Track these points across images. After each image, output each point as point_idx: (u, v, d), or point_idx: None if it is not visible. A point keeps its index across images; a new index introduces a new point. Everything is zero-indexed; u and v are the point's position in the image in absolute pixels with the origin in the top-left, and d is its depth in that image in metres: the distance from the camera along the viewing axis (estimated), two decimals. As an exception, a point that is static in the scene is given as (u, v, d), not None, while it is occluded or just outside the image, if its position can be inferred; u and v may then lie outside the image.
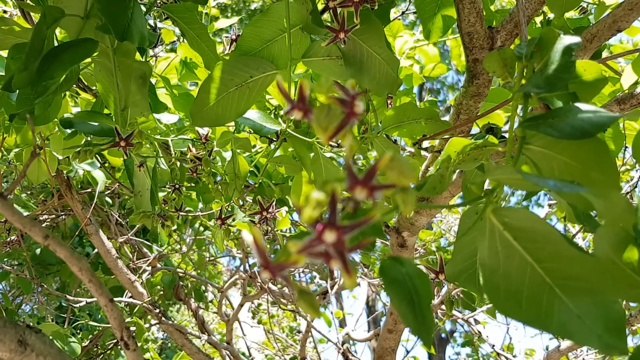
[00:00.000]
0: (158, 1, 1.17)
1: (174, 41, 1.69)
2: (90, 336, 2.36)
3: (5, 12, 1.45)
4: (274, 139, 1.29)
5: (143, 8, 1.02)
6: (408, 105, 1.10)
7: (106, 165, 1.54)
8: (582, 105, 0.43)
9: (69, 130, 1.09)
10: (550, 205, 2.69)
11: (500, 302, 0.41)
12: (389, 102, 1.22)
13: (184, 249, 2.56)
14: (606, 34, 0.77)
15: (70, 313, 2.30)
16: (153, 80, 1.36)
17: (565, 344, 1.93)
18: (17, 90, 0.84)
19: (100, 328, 2.32)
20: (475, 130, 1.16)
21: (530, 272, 0.40)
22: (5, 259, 2.60)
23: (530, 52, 0.49)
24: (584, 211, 0.48)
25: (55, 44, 0.91)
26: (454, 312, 2.45)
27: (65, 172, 1.63)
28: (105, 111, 1.11)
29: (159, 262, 2.31)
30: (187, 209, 1.83)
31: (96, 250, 1.94)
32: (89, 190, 1.87)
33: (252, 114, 1.11)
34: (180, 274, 2.33)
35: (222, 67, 0.90)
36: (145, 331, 1.84)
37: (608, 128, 0.37)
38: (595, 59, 1.14)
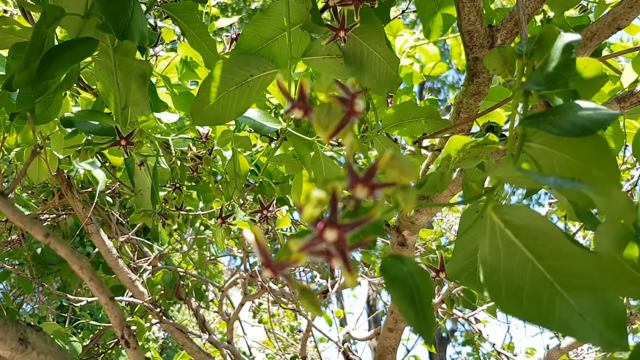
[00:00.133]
0: (158, 0, 1.17)
1: (174, 40, 1.69)
2: (91, 335, 2.36)
3: (5, 11, 1.45)
4: (274, 138, 1.29)
5: (143, 7, 1.02)
6: (408, 104, 1.10)
7: (107, 164, 1.54)
8: (583, 103, 0.43)
9: (69, 130, 1.09)
10: (550, 204, 2.69)
11: (502, 300, 0.41)
12: (389, 100, 1.22)
13: (185, 248, 2.56)
14: (606, 32, 0.77)
15: (71, 312, 2.30)
16: (153, 80, 1.36)
17: (566, 342, 1.93)
18: (18, 90, 0.84)
19: (101, 327, 2.32)
20: (475, 129, 1.16)
21: (531, 270, 0.40)
22: (6, 259, 2.60)
23: (531, 49, 0.49)
24: (584, 208, 0.48)
25: (56, 43, 0.91)
26: (454, 311, 2.45)
27: (65, 171, 1.63)
28: (106, 110, 1.11)
29: (160, 262, 2.31)
30: (188, 208, 1.83)
31: (97, 249, 1.94)
32: (90, 189, 1.87)
33: (253, 112, 1.11)
34: (181, 274, 2.33)
35: (222, 66, 0.90)
36: (146, 330, 1.84)
37: (608, 125, 0.37)
38: (595, 57, 1.14)
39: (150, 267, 2.17)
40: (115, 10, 0.82)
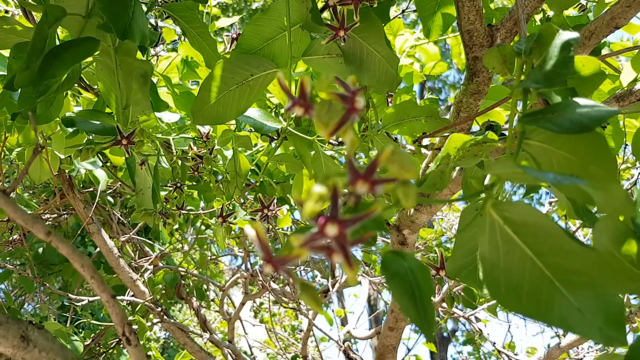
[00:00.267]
0: (159, 0, 1.17)
1: (175, 40, 1.69)
2: (93, 335, 2.37)
3: (7, 12, 1.46)
4: (275, 138, 1.29)
5: (144, 7, 1.03)
6: (408, 103, 1.10)
7: (108, 164, 1.54)
8: (581, 100, 0.43)
9: (70, 129, 1.09)
10: (551, 204, 2.69)
11: (501, 297, 0.42)
12: (389, 100, 1.22)
13: (186, 247, 2.57)
14: (604, 30, 0.77)
15: (72, 312, 2.30)
16: (154, 79, 1.37)
17: (566, 341, 1.93)
18: (19, 89, 0.84)
19: (102, 327, 2.32)
20: (476, 128, 1.16)
21: (531, 266, 0.41)
22: (8, 258, 2.60)
23: (529, 48, 0.49)
24: (583, 205, 0.49)
25: (57, 43, 0.92)
26: (455, 310, 2.45)
27: (67, 171, 1.64)
28: (107, 110, 1.11)
29: (161, 261, 2.31)
30: (189, 207, 1.83)
31: (98, 249, 1.95)
32: (91, 189, 1.88)
33: (253, 112, 1.11)
34: (182, 273, 2.33)
35: (222, 65, 0.90)
36: (147, 329, 1.85)
37: (606, 122, 0.37)
38: (594, 56, 1.14)
39: (151, 267, 2.17)
40: (116, 10, 0.83)
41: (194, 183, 1.44)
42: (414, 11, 1.80)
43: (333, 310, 3.13)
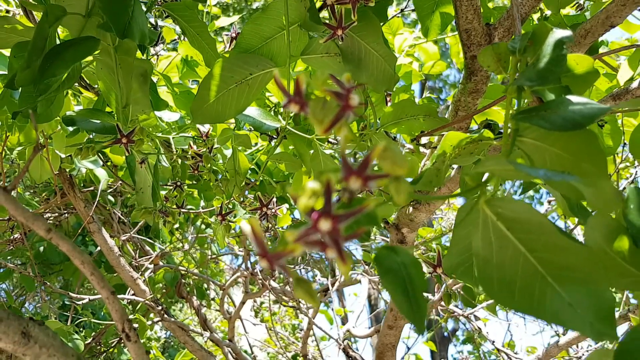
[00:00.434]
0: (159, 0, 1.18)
1: (175, 40, 1.70)
2: (93, 334, 2.37)
3: (7, 11, 1.46)
4: (274, 137, 1.30)
5: (144, 6, 1.03)
6: (406, 102, 1.11)
7: (108, 163, 1.54)
8: (574, 98, 0.43)
9: (71, 128, 1.09)
10: (550, 202, 2.70)
11: (494, 292, 0.42)
12: (387, 98, 1.22)
13: (186, 246, 2.57)
14: (600, 29, 0.78)
15: (73, 311, 2.31)
16: (154, 79, 1.37)
17: (564, 339, 1.94)
18: (20, 89, 0.84)
19: (103, 326, 2.33)
20: (474, 127, 1.17)
21: (524, 262, 0.41)
22: (9, 257, 2.61)
23: (524, 46, 0.50)
24: (578, 202, 0.49)
25: (57, 42, 0.92)
26: (454, 309, 2.46)
27: (67, 170, 1.64)
28: (107, 109, 1.11)
29: (161, 260, 2.32)
30: (189, 207, 1.84)
31: (99, 248, 1.95)
32: (92, 188, 1.88)
33: (252, 111, 1.12)
34: (183, 272, 2.34)
35: (222, 64, 0.91)
36: (147, 328, 1.85)
37: (604, 121, 0.38)
38: (590, 54, 1.14)
39: (151, 266, 2.18)
40: (116, 9, 0.83)
41: (194, 182, 1.44)
42: (414, 10, 1.81)
43: (333, 309, 3.13)
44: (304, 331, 2.59)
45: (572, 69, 0.49)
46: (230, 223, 1.21)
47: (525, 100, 0.53)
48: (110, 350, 2.39)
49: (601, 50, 1.30)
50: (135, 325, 1.74)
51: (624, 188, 1.76)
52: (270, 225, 1.66)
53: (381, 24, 0.86)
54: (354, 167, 0.33)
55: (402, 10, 1.75)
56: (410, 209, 1.41)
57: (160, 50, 1.68)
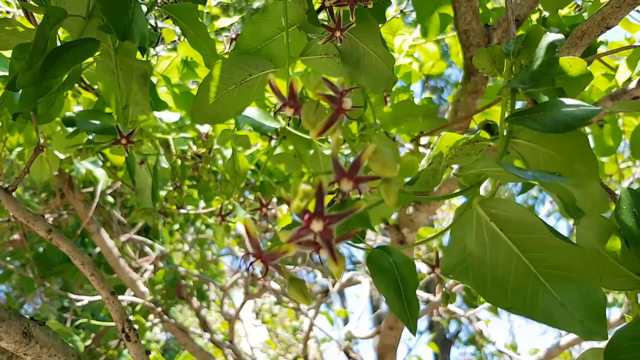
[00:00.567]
0: (159, 1, 1.18)
1: (175, 41, 1.70)
2: (92, 335, 2.38)
3: (8, 12, 1.47)
4: (275, 137, 1.30)
5: (144, 8, 1.04)
6: (406, 103, 1.11)
7: (108, 164, 1.55)
8: (566, 100, 0.44)
9: (71, 129, 1.10)
10: (552, 202, 2.70)
11: (487, 291, 0.43)
12: (387, 99, 1.23)
13: (186, 247, 2.57)
14: (595, 31, 0.78)
15: (72, 313, 2.31)
16: (154, 80, 1.38)
17: (565, 340, 1.94)
18: (20, 90, 0.85)
19: (102, 328, 2.33)
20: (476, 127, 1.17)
21: (516, 262, 0.42)
22: (8, 258, 2.61)
23: (518, 49, 0.50)
24: (571, 203, 0.50)
25: (58, 43, 0.93)
26: (456, 310, 2.46)
27: (67, 171, 1.64)
28: (107, 110, 1.12)
29: (161, 261, 2.32)
30: (189, 207, 1.84)
31: (98, 249, 1.95)
32: (91, 189, 1.88)
33: (252, 111, 1.12)
34: (183, 274, 2.34)
35: (221, 66, 0.91)
36: (147, 329, 1.85)
37: (589, 121, 0.38)
38: (589, 55, 1.14)
39: (151, 267, 2.18)
40: (117, 11, 0.84)
41: (194, 182, 1.44)
42: (413, 11, 1.81)
43: (333, 310, 3.14)
44: (305, 332, 2.59)
45: (566, 71, 0.50)
46: (230, 224, 1.22)
47: (525, 103, 0.54)
48: (110, 352, 2.40)
49: (600, 50, 1.31)
50: (136, 325, 1.74)
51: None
52: (270, 226, 1.67)
53: (380, 25, 0.86)
54: (345, 169, 0.33)
55: (401, 11, 1.75)
56: (411, 209, 1.42)
57: (160, 50, 1.68)
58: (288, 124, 1.11)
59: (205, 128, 1.23)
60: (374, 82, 0.87)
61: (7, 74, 1.02)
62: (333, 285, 2.68)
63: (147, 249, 2.38)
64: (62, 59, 0.83)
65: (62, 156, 1.35)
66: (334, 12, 0.78)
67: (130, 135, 0.95)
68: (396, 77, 0.86)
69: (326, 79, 0.36)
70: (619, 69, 1.16)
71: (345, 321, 3.86)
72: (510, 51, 0.50)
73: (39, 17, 1.04)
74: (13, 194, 0.49)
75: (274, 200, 1.24)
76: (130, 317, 1.83)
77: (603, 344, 0.43)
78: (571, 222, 2.64)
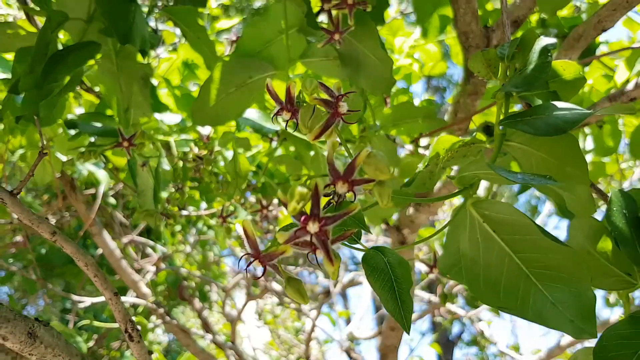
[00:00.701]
0: (159, 4, 1.19)
1: (175, 42, 1.71)
2: (95, 336, 2.38)
3: (8, 14, 1.47)
4: (275, 138, 1.31)
5: (145, 8, 1.04)
6: (406, 104, 1.12)
7: (109, 165, 1.55)
8: (559, 103, 0.45)
9: (73, 131, 1.11)
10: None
11: (480, 291, 0.43)
12: (387, 100, 1.24)
13: (188, 248, 2.58)
14: (592, 33, 0.79)
15: (75, 314, 2.32)
16: (155, 82, 1.38)
17: (566, 340, 1.95)
18: (22, 93, 0.86)
19: (104, 330, 2.34)
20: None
21: (509, 262, 0.42)
22: (10, 260, 2.62)
23: (512, 52, 0.51)
24: (561, 204, 0.50)
25: (59, 46, 0.94)
26: (457, 310, 2.47)
27: (69, 172, 1.65)
28: (108, 112, 1.13)
29: (163, 262, 2.33)
30: (191, 208, 1.85)
31: (100, 251, 1.96)
32: (93, 191, 1.89)
33: (253, 113, 1.13)
34: (185, 275, 2.35)
35: (222, 68, 0.92)
36: (149, 331, 1.86)
37: (579, 125, 0.39)
38: (586, 56, 1.15)
39: (153, 268, 2.19)
40: (118, 15, 0.85)
41: (196, 184, 1.45)
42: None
43: (335, 311, 3.14)
44: (307, 333, 2.60)
45: (560, 75, 0.50)
46: (231, 225, 1.22)
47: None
48: (112, 353, 2.40)
49: (601, 50, 1.31)
50: (138, 326, 1.75)
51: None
52: (272, 227, 1.67)
53: (379, 27, 0.87)
54: (341, 172, 0.34)
55: (402, 13, 1.76)
56: (411, 210, 1.42)
57: (161, 52, 1.69)
58: (286, 127, 1.11)
59: (206, 130, 1.24)
60: (373, 85, 0.88)
61: (8, 76, 1.03)
62: (335, 286, 2.68)
63: (149, 250, 2.38)
64: (63, 63, 0.83)
65: (64, 158, 1.35)
66: (333, 16, 0.79)
67: (132, 137, 0.95)
68: (394, 79, 0.86)
69: (322, 84, 0.37)
70: (618, 70, 1.17)
71: (348, 322, 3.87)
72: (505, 55, 0.51)
73: (39, 19, 1.05)
74: (17, 197, 0.50)
75: (275, 201, 1.24)
76: (133, 318, 1.84)
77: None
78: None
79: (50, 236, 0.52)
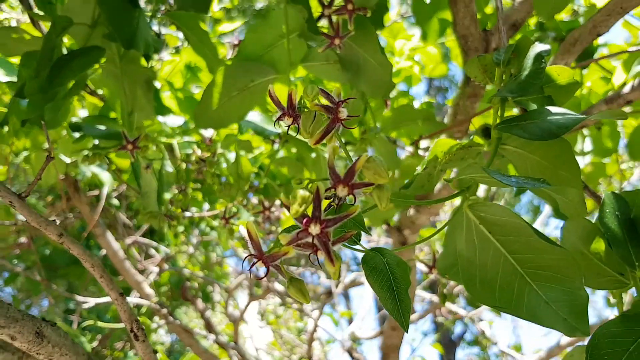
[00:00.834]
0: (162, 8, 1.20)
1: (178, 45, 1.72)
2: (98, 336, 2.39)
3: (12, 17, 1.48)
4: (277, 141, 1.32)
5: (148, 11, 1.06)
6: (406, 107, 1.13)
7: (113, 167, 1.56)
8: (553, 108, 0.46)
9: (77, 134, 1.12)
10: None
11: (476, 290, 0.45)
12: (387, 103, 1.25)
13: (190, 249, 2.59)
14: (587, 38, 0.80)
15: (78, 315, 2.33)
16: (158, 84, 1.39)
17: (565, 339, 1.96)
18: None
19: (108, 331, 2.34)
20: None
21: (504, 263, 0.44)
22: (15, 260, 2.63)
23: (508, 58, 0.52)
24: (555, 206, 0.52)
25: (64, 50, 0.95)
26: (458, 310, 2.47)
27: (73, 174, 1.66)
28: (112, 115, 1.14)
29: (166, 263, 2.34)
30: (193, 210, 1.86)
31: (104, 252, 1.97)
32: (97, 192, 1.90)
33: (255, 116, 1.14)
34: (187, 275, 2.35)
35: (224, 72, 0.93)
36: (152, 331, 1.87)
37: (572, 129, 0.40)
38: (584, 59, 1.16)
39: (156, 269, 2.20)
40: (122, 20, 0.86)
41: (199, 186, 1.46)
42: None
43: (337, 312, 3.15)
44: (309, 334, 2.61)
45: (554, 80, 0.52)
46: (233, 226, 1.23)
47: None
48: (116, 353, 2.41)
49: (601, 52, 1.32)
50: (143, 326, 1.76)
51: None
52: (274, 228, 1.68)
53: (379, 31, 0.88)
54: (341, 175, 0.35)
55: (402, 16, 1.77)
56: (412, 211, 1.43)
57: (164, 55, 1.70)
58: (288, 130, 1.12)
59: (209, 132, 1.25)
60: (373, 88, 0.89)
61: (13, 79, 1.04)
62: (337, 287, 2.69)
63: (152, 251, 2.39)
64: (68, 67, 0.84)
65: (67, 160, 1.36)
66: (333, 21, 0.80)
67: (136, 140, 0.96)
68: (394, 83, 0.87)
69: (323, 90, 0.38)
70: (615, 72, 1.18)
71: (350, 322, 3.87)
72: (501, 60, 0.52)
73: (44, 24, 1.06)
74: (25, 200, 0.51)
75: (277, 202, 1.25)
76: (138, 318, 1.85)
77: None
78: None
79: (57, 238, 0.53)
